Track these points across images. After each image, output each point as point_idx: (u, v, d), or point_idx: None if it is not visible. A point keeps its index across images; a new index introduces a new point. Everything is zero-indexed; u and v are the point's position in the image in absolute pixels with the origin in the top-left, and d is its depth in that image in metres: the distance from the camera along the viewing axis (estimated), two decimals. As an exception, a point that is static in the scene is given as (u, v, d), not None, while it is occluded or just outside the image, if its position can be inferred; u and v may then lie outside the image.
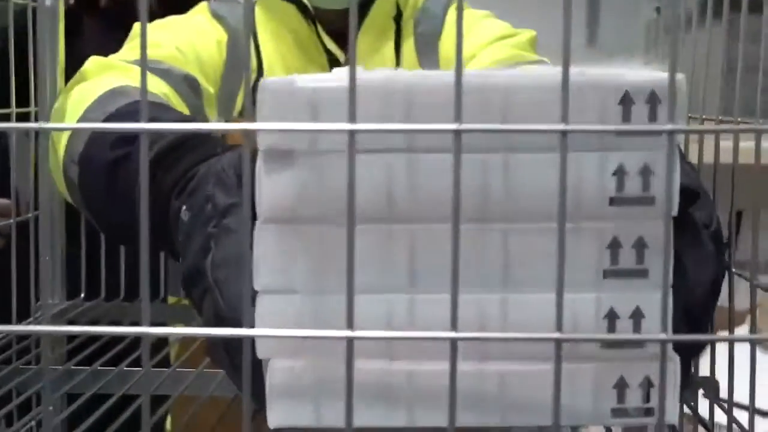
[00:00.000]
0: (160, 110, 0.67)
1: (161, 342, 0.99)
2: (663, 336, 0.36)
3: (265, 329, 0.43)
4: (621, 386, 0.44)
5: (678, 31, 0.38)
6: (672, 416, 0.44)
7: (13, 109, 0.84)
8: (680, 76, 0.42)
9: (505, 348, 0.44)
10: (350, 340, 0.35)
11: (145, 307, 0.36)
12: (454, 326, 0.36)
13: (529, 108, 0.42)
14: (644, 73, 0.43)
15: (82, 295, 0.89)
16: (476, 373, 0.43)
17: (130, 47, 0.91)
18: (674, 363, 0.44)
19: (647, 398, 0.44)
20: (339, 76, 0.44)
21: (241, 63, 0.97)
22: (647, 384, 0.44)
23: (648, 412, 0.44)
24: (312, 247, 0.43)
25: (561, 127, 0.35)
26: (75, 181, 0.68)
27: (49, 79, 0.88)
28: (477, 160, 0.42)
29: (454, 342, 0.36)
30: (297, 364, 0.43)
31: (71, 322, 0.84)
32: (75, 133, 0.68)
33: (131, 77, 0.79)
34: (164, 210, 0.58)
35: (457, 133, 0.35)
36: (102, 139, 0.65)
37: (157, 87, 0.78)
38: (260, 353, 0.43)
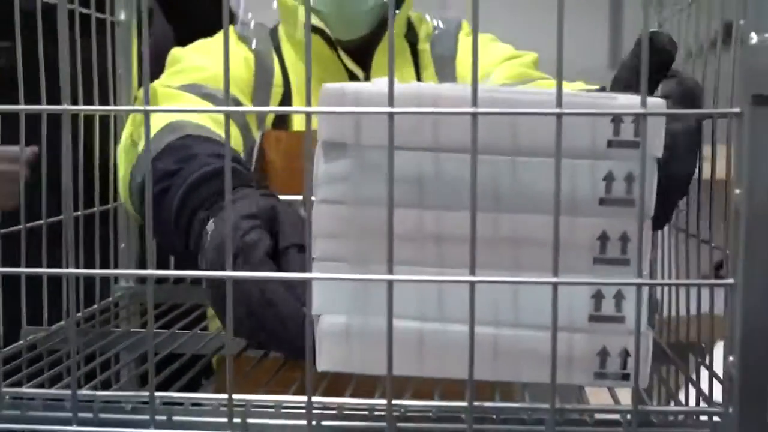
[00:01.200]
0: (211, 143, 0.79)
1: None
2: (639, 281, 0.47)
3: (321, 273, 0.53)
4: (603, 354, 0.54)
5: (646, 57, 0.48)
6: (644, 382, 0.54)
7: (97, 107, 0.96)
8: (660, 101, 0.52)
9: (515, 316, 0.54)
10: (390, 283, 0.47)
11: (228, 248, 0.47)
12: (472, 272, 0.47)
13: (531, 119, 0.52)
14: (634, 98, 0.53)
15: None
16: (492, 338, 0.54)
17: (172, 72, 1.04)
18: (647, 337, 0.54)
19: (624, 365, 0.54)
20: (378, 84, 0.56)
21: (267, 80, 1.09)
22: (625, 354, 0.54)
23: (624, 377, 0.54)
24: (358, 223, 0.54)
25: (557, 110, 0.46)
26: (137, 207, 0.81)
27: (125, 85, 1.00)
28: (488, 161, 0.52)
29: (472, 285, 0.48)
30: (344, 319, 0.54)
31: (142, 304, 0.96)
32: (136, 165, 0.81)
33: (182, 104, 0.91)
34: (189, 222, 0.70)
35: (474, 115, 0.47)
36: (153, 175, 0.76)
37: (207, 116, 0.89)
38: (314, 310, 0.54)
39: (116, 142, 0.95)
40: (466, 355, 0.50)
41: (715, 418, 0.53)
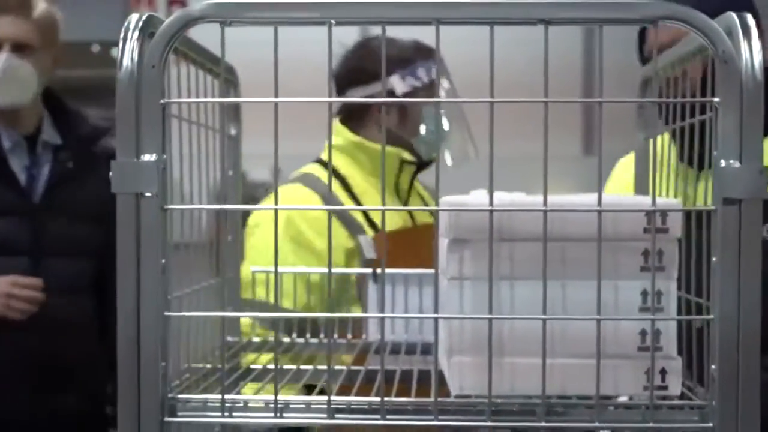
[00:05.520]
0: None
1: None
2: (650, 317, 0.72)
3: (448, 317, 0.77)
4: (648, 372, 0.78)
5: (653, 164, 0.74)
6: (676, 389, 0.78)
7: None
8: (677, 200, 0.78)
9: (572, 349, 0.78)
10: (490, 321, 0.74)
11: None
12: (544, 311, 0.73)
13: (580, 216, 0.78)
14: (662, 201, 0.79)
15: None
16: (560, 365, 0.78)
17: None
18: (677, 361, 0.78)
19: (663, 380, 0.79)
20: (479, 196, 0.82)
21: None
22: (664, 372, 0.79)
23: (663, 388, 0.79)
24: (472, 292, 0.79)
25: (597, 208, 0.74)
26: None
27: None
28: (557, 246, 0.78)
29: (544, 322, 0.73)
30: (466, 358, 0.79)
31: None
32: None
33: None
34: None
35: (545, 213, 0.73)
36: None
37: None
38: (443, 351, 0.79)
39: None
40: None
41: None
